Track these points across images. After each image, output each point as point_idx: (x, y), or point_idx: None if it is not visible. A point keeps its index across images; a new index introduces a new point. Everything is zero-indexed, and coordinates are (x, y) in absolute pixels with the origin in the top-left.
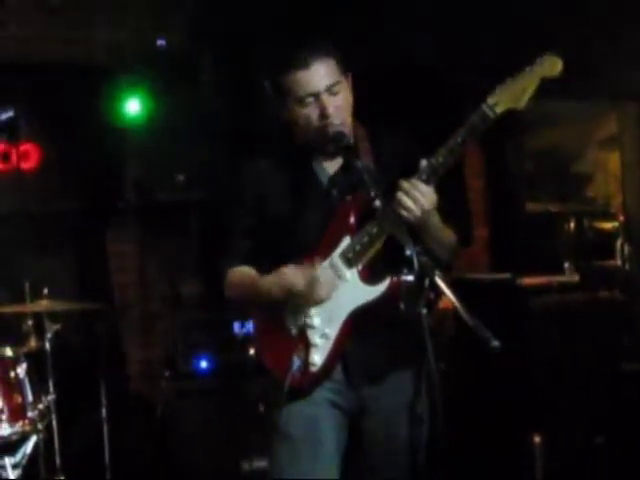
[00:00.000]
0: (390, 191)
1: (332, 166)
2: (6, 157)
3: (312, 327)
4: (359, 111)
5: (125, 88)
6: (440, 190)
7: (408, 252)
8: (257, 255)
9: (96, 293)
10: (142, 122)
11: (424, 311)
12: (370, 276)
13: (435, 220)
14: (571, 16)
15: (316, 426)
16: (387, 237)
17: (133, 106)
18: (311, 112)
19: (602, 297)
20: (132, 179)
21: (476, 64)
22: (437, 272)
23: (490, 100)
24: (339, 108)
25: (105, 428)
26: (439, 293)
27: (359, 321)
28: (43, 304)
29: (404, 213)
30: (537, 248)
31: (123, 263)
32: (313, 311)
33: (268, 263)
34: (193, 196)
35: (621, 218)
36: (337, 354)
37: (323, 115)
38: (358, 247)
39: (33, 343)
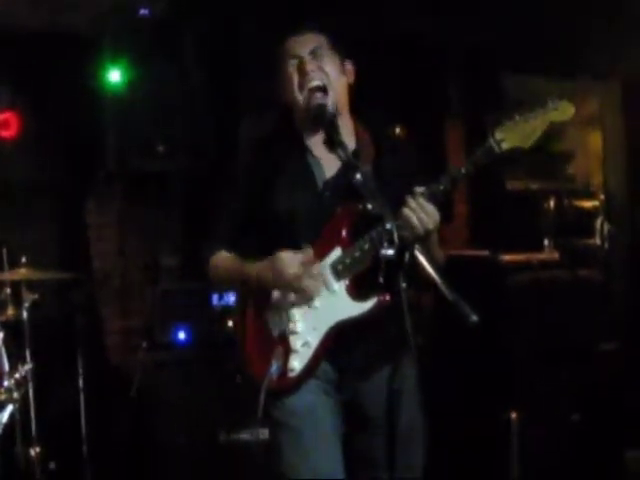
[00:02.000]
0: (388, 204)
1: (330, 165)
2: None
3: (295, 333)
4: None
5: (107, 57)
6: (421, 166)
7: (388, 226)
8: (240, 242)
9: (75, 263)
10: (123, 91)
11: (404, 285)
12: (357, 291)
13: (433, 239)
14: None
15: (313, 411)
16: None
17: (114, 75)
18: (293, 74)
19: (581, 275)
20: (113, 148)
21: (460, 42)
22: (417, 246)
23: (498, 135)
24: (320, 69)
25: (82, 398)
26: (419, 267)
27: (343, 332)
28: (21, 272)
29: (407, 231)
30: (517, 225)
31: (102, 233)
32: (297, 317)
33: (252, 253)
34: (174, 166)
35: (601, 197)
36: (317, 362)
37: (301, 71)
38: (348, 260)
39: (10, 312)
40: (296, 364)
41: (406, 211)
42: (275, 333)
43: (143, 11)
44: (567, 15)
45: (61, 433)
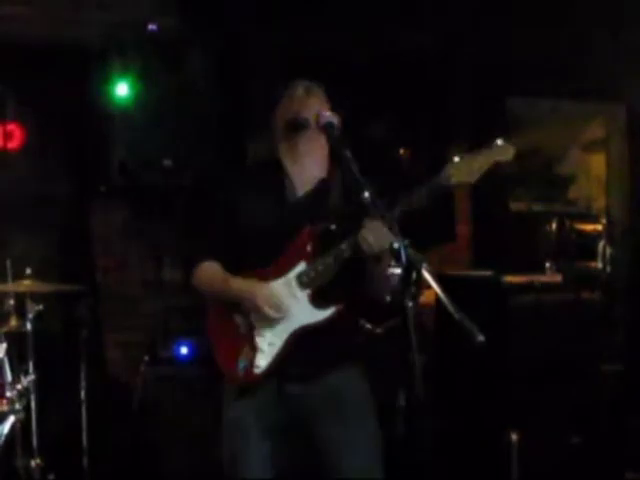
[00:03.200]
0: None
1: (302, 185)
2: None
3: (261, 335)
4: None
5: (114, 71)
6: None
7: (396, 245)
8: (222, 254)
9: (78, 275)
10: (130, 105)
11: (410, 304)
12: (319, 300)
13: (386, 260)
14: (565, 15)
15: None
16: (340, 268)
17: (122, 89)
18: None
19: (584, 298)
20: (118, 162)
21: (467, 64)
22: (424, 265)
23: (447, 171)
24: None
25: (83, 410)
26: (421, 288)
27: (304, 335)
28: (26, 284)
29: (365, 247)
30: (519, 247)
31: (106, 246)
32: (264, 320)
33: (228, 265)
34: (179, 181)
35: (603, 221)
36: (279, 361)
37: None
38: (312, 273)
39: (14, 323)
40: (262, 362)
41: (364, 230)
42: (243, 331)
43: (151, 27)
44: (573, 39)
45: (62, 446)
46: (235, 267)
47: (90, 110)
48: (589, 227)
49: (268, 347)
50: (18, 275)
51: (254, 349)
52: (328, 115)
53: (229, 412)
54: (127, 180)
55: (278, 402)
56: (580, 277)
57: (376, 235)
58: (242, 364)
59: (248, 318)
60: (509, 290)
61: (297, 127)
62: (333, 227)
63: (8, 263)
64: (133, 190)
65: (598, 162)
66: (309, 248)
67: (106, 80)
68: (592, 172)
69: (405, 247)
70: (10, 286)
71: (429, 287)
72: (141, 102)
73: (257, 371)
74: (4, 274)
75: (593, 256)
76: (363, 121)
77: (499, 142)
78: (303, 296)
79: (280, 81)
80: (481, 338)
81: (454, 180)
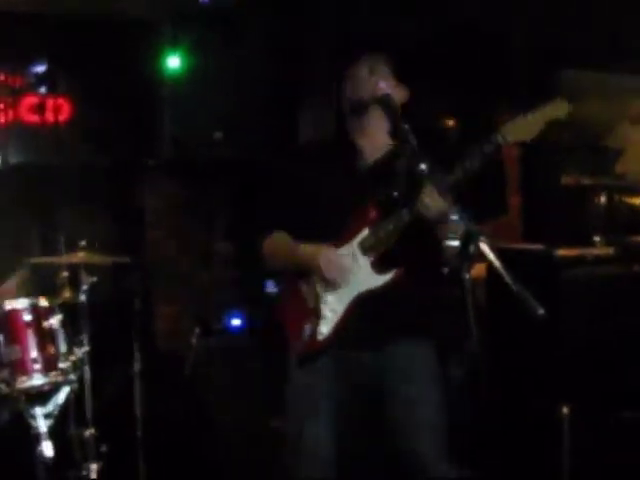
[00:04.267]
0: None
1: (372, 155)
2: (42, 110)
3: (325, 302)
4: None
5: (166, 43)
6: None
7: (454, 217)
8: (292, 225)
9: (130, 247)
10: (182, 78)
11: (467, 276)
12: (380, 266)
13: (445, 227)
14: None
15: (312, 394)
16: (402, 233)
17: (173, 61)
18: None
19: (636, 271)
20: (169, 134)
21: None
22: (482, 238)
23: (503, 130)
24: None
25: (137, 382)
26: (473, 261)
27: (365, 301)
28: (80, 256)
29: (423, 211)
30: (568, 220)
31: (157, 218)
32: (328, 287)
33: (296, 234)
34: (229, 154)
35: None
36: (341, 327)
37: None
38: (374, 239)
39: (68, 294)
40: (324, 329)
41: (422, 196)
42: (309, 304)
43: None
44: (624, 12)
45: (115, 417)
46: (305, 237)
47: (141, 83)
48: (637, 201)
49: (331, 314)
50: (71, 247)
51: (318, 316)
52: (384, 87)
53: (293, 381)
54: (178, 153)
55: (342, 369)
56: (630, 251)
57: (434, 198)
58: (306, 332)
59: (314, 287)
60: (561, 264)
61: (360, 109)
62: (396, 194)
63: (62, 237)
64: (184, 163)
65: None
66: (372, 215)
67: (158, 53)
68: None
69: (464, 219)
70: (64, 258)
71: (481, 260)
72: (192, 75)
73: (320, 337)
74: (57, 246)
75: None
76: (416, 95)
77: (552, 100)
78: (365, 262)
79: (338, 56)
80: (541, 311)
81: (509, 138)
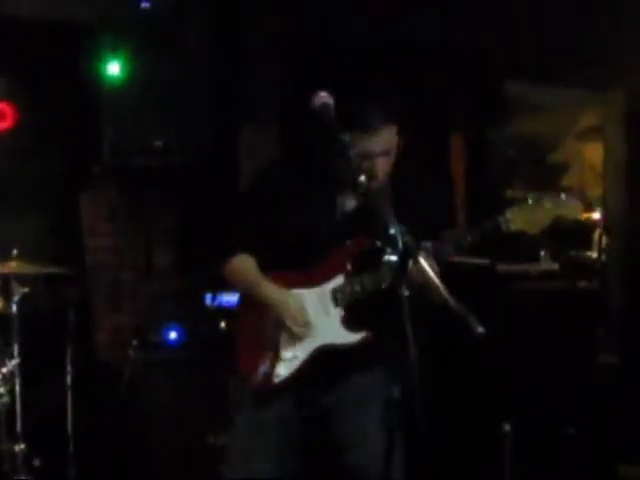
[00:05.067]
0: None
1: (351, 202)
2: None
3: (286, 344)
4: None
5: (106, 49)
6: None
7: (392, 231)
8: (259, 249)
9: (67, 257)
10: (122, 84)
11: (406, 293)
12: (350, 322)
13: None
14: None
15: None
16: (378, 292)
17: (114, 68)
18: (361, 165)
19: (581, 287)
20: (109, 142)
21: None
22: (421, 253)
23: (508, 215)
24: (385, 169)
25: (69, 396)
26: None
27: (328, 354)
28: (11, 266)
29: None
30: (513, 235)
31: (96, 228)
32: (291, 331)
33: (262, 260)
34: (171, 163)
35: (599, 210)
36: (300, 374)
37: (372, 176)
38: (348, 291)
39: None
40: (282, 372)
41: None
42: (268, 335)
43: (144, 4)
44: (570, 25)
45: (47, 431)
46: (270, 264)
47: (81, 89)
48: (584, 216)
49: (291, 359)
50: (4, 256)
51: (277, 357)
52: (324, 96)
53: (246, 411)
54: (118, 161)
55: (294, 406)
56: (576, 266)
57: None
58: (263, 370)
59: (275, 326)
60: (505, 278)
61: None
62: (379, 244)
63: None
64: (124, 171)
65: (593, 150)
66: (351, 263)
67: (98, 59)
68: (586, 161)
69: (402, 234)
70: None
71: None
72: (133, 82)
73: (276, 380)
74: None
75: (587, 245)
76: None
77: (564, 197)
78: (335, 314)
79: (277, 62)
80: (481, 330)
81: (513, 227)
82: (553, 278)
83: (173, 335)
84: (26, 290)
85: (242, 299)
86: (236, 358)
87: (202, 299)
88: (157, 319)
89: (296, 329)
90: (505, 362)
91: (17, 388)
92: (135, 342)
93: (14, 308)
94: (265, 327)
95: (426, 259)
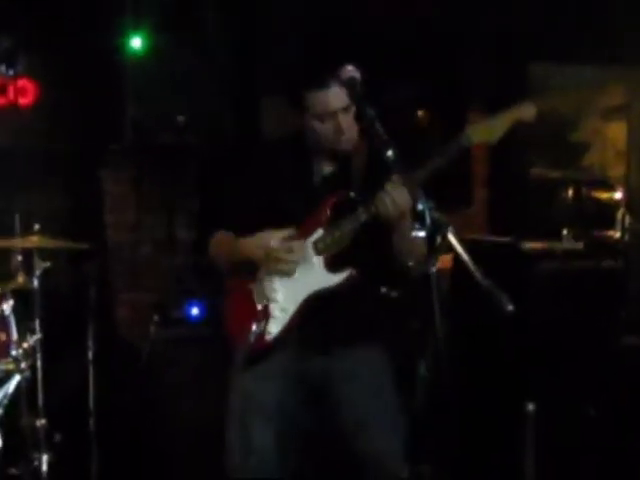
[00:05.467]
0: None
1: (328, 168)
2: (3, 91)
3: (275, 300)
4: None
5: (129, 24)
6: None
7: (420, 207)
8: (238, 226)
9: (88, 232)
10: (144, 59)
11: (434, 269)
12: (334, 265)
13: (407, 224)
14: None
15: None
16: (356, 235)
17: (136, 42)
18: (328, 128)
19: (605, 267)
20: (131, 118)
21: (487, 28)
22: (450, 229)
23: (468, 131)
24: (351, 125)
25: (91, 371)
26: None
27: (318, 301)
28: (33, 240)
29: (381, 210)
30: (536, 213)
31: (117, 203)
32: (277, 286)
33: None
34: (192, 138)
35: (622, 189)
36: (292, 327)
37: (339, 131)
38: (329, 239)
39: (21, 280)
40: (273, 328)
41: (381, 192)
42: (258, 302)
43: None
44: (593, 3)
45: (68, 406)
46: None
47: (103, 64)
48: (605, 195)
49: (280, 313)
50: (26, 231)
51: (267, 315)
52: (350, 70)
53: (236, 388)
54: (140, 137)
55: (290, 374)
56: (599, 246)
57: (396, 197)
58: (254, 331)
59: (262, 285)
60: (530, 256)
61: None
62: (353, 194)
63: (17, 218)
64: (146, 146)
65: (616, 130)
66: (327, 215)
67: (120, 35)
68: (609, 140)
69: (430, 210)
70: (17, 242)
71: (447, 252)
72: (155, 58)
73: (268, 337)
74: (12, 229)
75: (610, 225)
76: (382, 84)
77: (520, 103)
78: (318, 261)
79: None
80: (510, 307)
81: (475, 139)
82: (577, 257)
83: (195, 311)
84: (48, 265)
85: (226, 278)
86: (226, 328)
87: (223, 275)
88: (178, 295)
89: (283, 255)
90: (528, 341)
91: (38, 363)
92: (156, 318)
93: (36, 283)
94: (251, 293)
95: (454, 236)
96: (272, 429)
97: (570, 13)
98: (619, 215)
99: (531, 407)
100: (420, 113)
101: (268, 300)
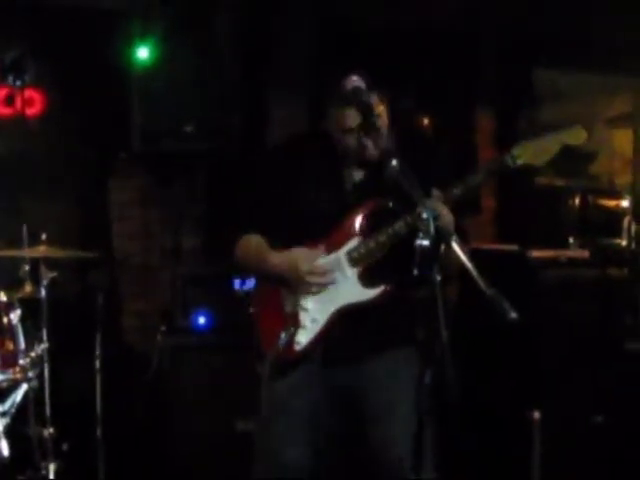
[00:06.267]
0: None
1: (359, 174)
2: (10, 101)
3: (305, 310)
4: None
5: (136, 33)
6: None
7: (424, 215)
8: (268, 228)
9: (96, 241)
10: (151, 69)
11: (438, 278)
12: (368, 279)
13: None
14: None
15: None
16: (392, 247)
17: (143, 52)
18: (351, 142)
19: (611, 275)
20: (138, 127)
21: (494, 33)
22: (454, 238)
23: (514, 151)
24: (377, 139)
25: (98, 380)
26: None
27: (349, 314)
28: (41, 250)
29: (422, 227)
30: (543, 222)
31: (124, 212)
32: (309, 296)
33: (274, 239)
34: (200, 147)
35: (628, 197)
36: (321, 339)
37: (361, 146)
38: (363, 250)
39: (28, 289)
40: (302, 339)
41: (435, 208)
42: (288, 309)
43: None
44: (601, 11)
45: (75, 414)
46: (284, 241)
47: (110, 75)
48: (612, 203)
49: (311, 323)
50: (34, 240)
51: (296, 325)
52: (355, 80)
53: (267, 394)
54: (147, 146)
55: (319, 384)
56: (604, 254)
57: (446, 214)
58: (283, 339)
59: (294, 294)
60: (536, 265)
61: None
62: (391, 204)
63: (24, 229)
64: (153, 156)
65: (623, 138)
66: (363, 225)
67: (127, 44)
68: (616, 148)
69: (435, 218)
70: (25, 252)
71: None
72: (162, 66)
73: (297, 347)
74: (20, 239)
75: (616, 233)
76: (389, 92)
77: (571, 127)
78: (352, 273)
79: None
80: (514, 315)
81: (520, 162)
82: (583, 265)
83: (202, 320)
84: (55, 274)
85: (256, 282)
86: (257, 339)
87: (231, 284)
88: (185, 304)
89: (315, 280)
90: (534, 349)
91: (46, 372)
92: (163, 327)
93: (43, 292)
94: (282, 300)
95: (459, 245)
96: (303, 440)
97: (577, 20)
98: (626, 223)
99: (537, 415)
100: (426, 122)
101: (299, 308)
